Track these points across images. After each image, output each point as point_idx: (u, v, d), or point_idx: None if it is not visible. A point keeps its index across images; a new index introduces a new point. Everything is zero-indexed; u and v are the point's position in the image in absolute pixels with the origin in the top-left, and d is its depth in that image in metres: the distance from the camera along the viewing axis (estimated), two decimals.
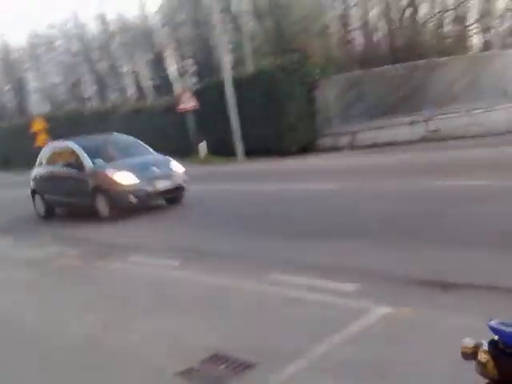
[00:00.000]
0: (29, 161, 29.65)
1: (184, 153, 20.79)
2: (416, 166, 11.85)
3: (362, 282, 4.80)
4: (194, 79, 33.53)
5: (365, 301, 4.38)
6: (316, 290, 4.81)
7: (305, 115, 18.93)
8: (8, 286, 6.43)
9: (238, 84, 19.56)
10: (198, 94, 21.01)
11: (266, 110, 19.11)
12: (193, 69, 35.12)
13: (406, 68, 18.75)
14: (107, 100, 36.71)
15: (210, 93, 21.03)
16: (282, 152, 18.39)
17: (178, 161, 11.09)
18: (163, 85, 34.63)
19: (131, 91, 38.10)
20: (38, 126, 24.50)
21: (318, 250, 6.16)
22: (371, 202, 8.53)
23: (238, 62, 23.91)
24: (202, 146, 20.44)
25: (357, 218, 7.47)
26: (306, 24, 23.85)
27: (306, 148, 18.73)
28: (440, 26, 25.09)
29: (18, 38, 43.96)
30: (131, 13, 38.85)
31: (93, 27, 39.65)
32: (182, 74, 34.77)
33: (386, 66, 19.16)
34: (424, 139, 17.23)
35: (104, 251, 7.43)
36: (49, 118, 26.56)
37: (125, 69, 38.92)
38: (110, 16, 38.80)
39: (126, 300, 5.31)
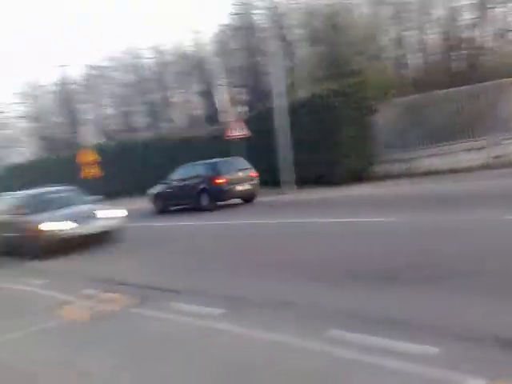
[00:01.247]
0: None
1: None
2: (485, 195, 10.70)
3: (443, 344, 3.90)
4: (245, 107, 33.23)
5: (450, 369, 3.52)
6: (389, 352, 3.89)
7: (360, 141, 18.01)
8: (31, 337, 5.73)
9: (291, 110, 18.88)
10: (249, 122, 20.46)
11: (320, 136, 18.32)
12: (244, 97, 34.88)
13: (469, 91, 17.57)
14: (158, 130, 36.92)
15: (261, 120, 20.45)
16: (335, 180, 17.52)
17: None
18: (214, 114, 34.53)
19: (182, 121, 38.19)
20: (86, 157, 24.46)
21: (385, 300, 5.19)
22: (444, 238, 7.52)
23: (290, 88, 23.29)
24: None
25: (430, 258, 6.46)
26: (360, 47, 23.06)
27: (361, 175, 17.77)
28: (502, 46, 23.76)
29: (75, 70, 45.18)
30: (186, 43, 39.05)
31: (148, 58, 40.32)
32: (232, 102, 34.54)
33: (448, 89, 18.01)
34: (487, 166, 16.06)
35: (141, 295, 6.70)
36: (98, 149, 26.61)
37: (176, 99, 39.16)
38: (165, 46, 39.24)
39: (161, 364, 4.49)
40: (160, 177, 21.25)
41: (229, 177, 16.01)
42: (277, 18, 28.40)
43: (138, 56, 40.51)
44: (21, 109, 48.39)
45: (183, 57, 37.54)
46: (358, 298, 5.38)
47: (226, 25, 34.33)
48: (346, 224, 9.93)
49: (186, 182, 17.04)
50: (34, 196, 12.46)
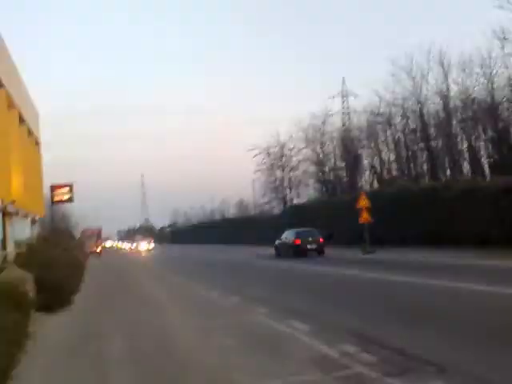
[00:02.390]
0: (349, 238, 29.64)
1: None
2: None
3: None
4: None
5: None
6: None
7: None
8: None
9: None
10: None
11: None
12: None
13: None
14: (438, 179, 35.07)
15: None
16: None
17: None
18: (504, 162, 31.36)
19: (466, 169, 35.84)
20: (363, 202, 24.47)
21: None
22: None
23: None
24: None
25: None
26: None
27: None
28: None
29: (359, 118, 47.00)
30: (476, 88, 36.70)
31: (433, 103, 39.35)
32: None
33: None
34: None
35: (404, 364, 5.95)
36: (374, 196, 26.34)
37: (461, 146, 37.05)
38: (453, 91, 37.74)
39: None
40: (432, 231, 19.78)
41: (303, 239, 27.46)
42: None
43: (421, 101, 39.77)
44: (308, 153, 52.35)
45: (472, 102, 35.38)
46: None
47: None
48: None
49: (285, 241, 29.36)
50: None
